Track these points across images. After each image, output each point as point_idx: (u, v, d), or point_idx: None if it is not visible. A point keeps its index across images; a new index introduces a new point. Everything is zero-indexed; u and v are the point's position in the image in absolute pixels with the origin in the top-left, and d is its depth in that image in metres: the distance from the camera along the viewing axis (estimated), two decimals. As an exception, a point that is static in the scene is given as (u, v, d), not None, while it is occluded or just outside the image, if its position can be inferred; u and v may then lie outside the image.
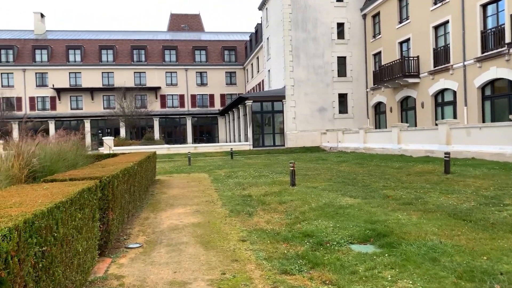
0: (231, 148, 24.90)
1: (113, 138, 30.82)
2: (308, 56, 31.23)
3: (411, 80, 25.20)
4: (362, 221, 6.33)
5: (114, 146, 30.44)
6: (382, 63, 29.03)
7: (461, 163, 14.13)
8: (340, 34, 32.02)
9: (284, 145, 30.99)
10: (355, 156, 21.06)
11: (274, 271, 4.40)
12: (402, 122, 26.85)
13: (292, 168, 10.69)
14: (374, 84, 30.66)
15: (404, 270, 4.20)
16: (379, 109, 31.38)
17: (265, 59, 36.91)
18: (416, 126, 24.91)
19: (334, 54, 31.75)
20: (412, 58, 25.36)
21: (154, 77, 48.69)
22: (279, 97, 30.97)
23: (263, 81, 39.64)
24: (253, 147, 30.55)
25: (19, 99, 45.55)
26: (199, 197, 9.96)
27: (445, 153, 11.88)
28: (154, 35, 54.13)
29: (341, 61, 32.06)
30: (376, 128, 29.37)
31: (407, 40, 26.55)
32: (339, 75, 31.93)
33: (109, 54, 48.47)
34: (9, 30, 51.27)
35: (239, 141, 35.43)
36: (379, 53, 30.23)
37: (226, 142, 45.75)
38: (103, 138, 29.06)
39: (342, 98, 32.22)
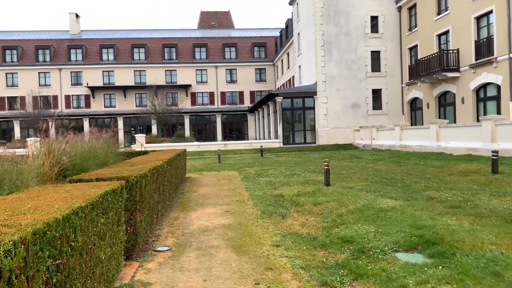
0: (261, 146, 24.55)
1: (145, 135, 31.17)
2: (340, 51, 30.39)
3: (450, 74, 23.96)
4: (406, 226, 5.80)
5: (146, 143, 30.78)
6: (419, 57, 27.82)
7: (509, 162, 13.15)
8: (374, 27, 30.96)
9: (315, 143, 30.35)
10: (391, 154, 20.21)
11: (313, 283, 3.99)
12: (439, 118, 25.62)
13: (326, 167, 10.19)
14: (409, 79, 29.46)
15: (462, 286, 3.69)
16: (415, 105, 30.14)
17: (296, 55, 36.29)
18: (455, 122, 23.67)
19: (368, 48, 30.74)
20: (451, 51, 24.09)
21: (185, 75, 49.05)
22: (310, 93, 30.32)
23: (293, 77, 39.03)
24: (283, 144, 30.08)
25: (55, 98, 47.03)
26: (230, 196, 9.65)
27: (493, 152, 11.02)
28: (184, 33, 54.52)
29: (375, 55, 31.01)
30: (412, 125, 28.20)
31: (446, 33, 25.26)
32: (372, 70, 30.91)
33: (141, 52, 49.22)
34: (46, 31, 53.06)
35: (269, 138, 35.05)
36: (415, 46, 28.99)
37: (256, 139, 45.49)
38: (135, 135, 29.45)
39: (376, 94, 31.19)
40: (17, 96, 45.60)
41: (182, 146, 28.87)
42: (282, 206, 8.01)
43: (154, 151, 13.50)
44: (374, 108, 31.06)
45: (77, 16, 52.84)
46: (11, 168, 6.76)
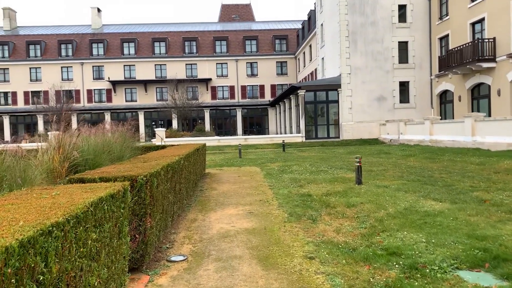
0: (283, 140, 23.70)
1: (165, 129, 30.79)
2: (366, 42, 29.12)
3: (485, 65, 22.46)
4: (463, 236, 4.90)
5: (166, 137, 30.40)
6: (450, 47, 26.31)
7: (560, 159, 11.93)
8: (402, 17, 29.51)
9: (339, 137, 29.27)
10: (421, 150, 19.03)
11: (361, 312, 3.18)
12: (472, 111, 24.16)
13: (358, 164, 9.30)
14: (439, 71, 27.97)
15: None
16: (445, 98, 28.64)
17: (319, 47, 35.14)
18: (489, 116, 22.20)
19: (395, 39, 29.35)
20: (486, 40, 22.57)
21: (205, 68, 48.52)
22: (334, 86, 29.21)
23: (316, 70, 37.90)
24: (306, 139, 29.14)
25: (77, 92, 47.30)
26: (252, 194, 8.90)
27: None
28: (205, 26, 53.96)
29: (403, 46, 29.59)
30: (441, 119, 26.77)
31: (481, 20, 23.70)
32: (400, 62, 29.52)
33: (161, 46, 48.93)
34: (68, 26, 53.45)
35: (291, 132, 34.14)
36: (446, 36, 27.44)
37: (276, 133, 44.64)
38: (155, 129, 29.08)
39: (403, 86, 29.80)
40: (41, 91, 46.05)
41: (202, 141, 28.33)
42: (311, 207, 7.20)
43: (172, 145, 12.88)
44: (401, 101, 29.70)
45: (98, 10, 52.95)
46: (15, 164, 6.19)
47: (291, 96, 32.79)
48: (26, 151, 8.10)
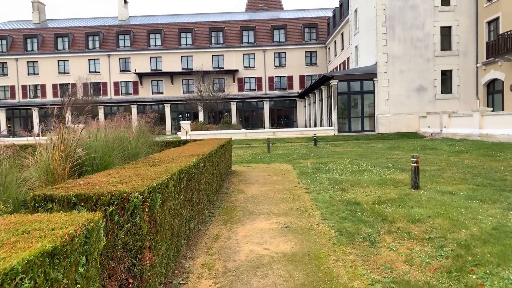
0: (315, 134, 22.07)
1: (190, 122, 29.73)
2: (404, 28, 26.91)
3: (544, 50, 20.02)
4: None
5: (192, 130, 29.35)
6: (500, 32, 23.81)
7: None
8: (445, -1, 27.11)
9: (374, 130, 27.34)
10: (472, 145, 17.00)
11: None
12: (527, 103, 21.76)
13: (415, 164, 7.68)
14: (487, 58, 25.49)
15: None
16: (493, 87, 26.13)
17: (352, 34, 33.06)
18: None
19: (437, 24, 26.98)
20: (546, 22, 20.09)
21: (232, 59, 47.22)
22: (369, 75, 27.23)
23: (348, 59, 35.84)
24: (338, 132, 27.36)
25: (104, 84, 47.08)
26: (286, 200, 7.47)
27: None
28: (232, 16, 52.57)
29: (445, 31, 27.18)
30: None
31: (539, 0, 21.16)
32: (442, 49, 27.15)
33: (188, 37, 47.94)
34: (96, 18, 53.31)
35: (321, 125, 32.39)
36: (496, 19, 24.89)
37: (305, 127, 42.94)
38: (180, 122, 28.05)
39: (446, 75, 27.44)
40: (69, 83, 46.08)
41: (228, 134, 27.08)
42: (363, 221, 5.71)
43: (195, 140, 11.62)
44: (442, 91, 27.38)
45: (125, 1, 52.47)
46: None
47: (322, 86, 31.00)
48: (20, 148, 6.98)
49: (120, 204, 2.81)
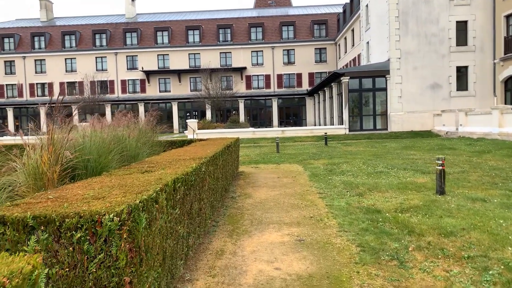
0: (325, 133, 21.31)
1: (197, 120, 29.15)
2: (418, 22, 25.99)
3: None
4: None
5: (199, 129, 28.78)
6: (520, 26, 22.82)
7: None
8: (460, -7, 26.11)
9: (386, 129, 26.48)
10: (493, 144, 16.14)
11: None
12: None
13: (441, 167, 6.94)
14: (505, 54, 24.51)
15: None
16: (511, 84, 25.11)
17: (363, 30, 32.18)
18: None
19: (452, 18, 26.00)
20: None
21: (240, 57, 46.56)
22: (381, 72, 26.36)
23: (359, 55, 34.95)
24: (349, 131, 26.57)
25: (111, 82, 46.76)
26: (298, 207, 6.79)
27: None
28: (240, 13, 51.90)
29: (461, 26, 26.20)
30: (508, 109, 23.37)
31: (562, -8, 20.14)
32: (457, 44, 26.18)
33: (195, 35, 47.38)
34: (103, 16, 53.04)
35: (331, 124, 31.59)
36: (515, 13, 23.89)
37: (315, 125, 42.17)
38: (187, 121, 27.46)
39: (461, 72, 26.47)
40: (76, 81, 45.82)
41: (236, 133, 26.45)
42: (387, 233, 5.02)
43: (201, 140, 10.99)
44: (458, 88, 26.41)
45: (132, -1, 52.09)
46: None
47: (332, 84, 30.19)
48: (6, 148, 6.39)
49: (91, 228, 2.17)
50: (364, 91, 26.96)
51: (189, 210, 3.85)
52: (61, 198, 2.61)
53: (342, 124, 27.30)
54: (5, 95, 46.53)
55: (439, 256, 4.20)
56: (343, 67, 41.40)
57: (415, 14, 25.98)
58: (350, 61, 38.95)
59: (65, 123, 6.32)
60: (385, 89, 26.59)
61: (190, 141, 10.82)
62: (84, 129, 8.61)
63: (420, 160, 12.34)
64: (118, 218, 2.20)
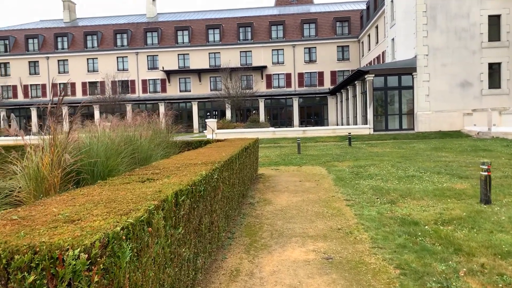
0: (349, 133, 20.43)
1: (216, 120, 28.69)
2: (447, 17, 24.74)
3: None
4: None
5: (218, 128, 28.32)
6: (559, 19, 21.34)
7: None
8: (493, -15, 24.71)
9: (413, 129, 25.34)
10: (532, 146, 14.99)
11: None
12: None
13: (486, 173, 6.12)
14: (542, 49, 23.01)
15: None
16: (548, 82, 23.60)
17: (388, 26, 31.03)
18: None
19: (484, 12, 24.64)
20: None
21: (260, 55, 45.94)
22: (407, 69, 25.25)
23: (383, 53, 33.79)
24: (374, 131, 25.56)
25: (132, 82, 46.94)
26: (324, 216, 6.11)
27: None
28: (260, 11, 51.32)
29: (494, 21, 24.80)
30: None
31: None
32: (490, 40, 24.80)
33: (215, 34, 47.03)
34: (124, 16, 53.38)
35: (354, 123, 30.59)
36: (553, 5, 22.39)
37: (337, 125, 41.16)
38: (206, 120, 27.03)
39: (493, 68, 25.07)
40: (97, 81, 46.18)
41: (256, 133, 25.86)
42: (429, 251, 4.29)
43: (218, 140, 10.42)
44: (490, 86, 25.02)
45: (153, -1, 52.20)
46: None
47: (356, 82, 29.19)
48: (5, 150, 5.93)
49: (49, 268, 1.57)
50: (389, 90, 25.88)
51: (197, 227, 3.24)
52: (27, 219, 2.03)
53: (366, 123, 26.31)
54: (30, 95, 47.36)
55: (499, 285, 3.46)
56: (366, 65, 40.17)
57: (444, 9, 24.75)
58: (374, 59, 37.77)
59: (78, 123, 5.83)
60: (411, 87, 25.45)
61: (207, 142, 10.26)
62: (104, 128, 8.19)
63: (454, 162, 11.41)
64: (87, 255, 1.59)
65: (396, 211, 6.17)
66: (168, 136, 9.22)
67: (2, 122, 43.96)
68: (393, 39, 30.04)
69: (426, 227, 5.22)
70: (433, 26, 24.80)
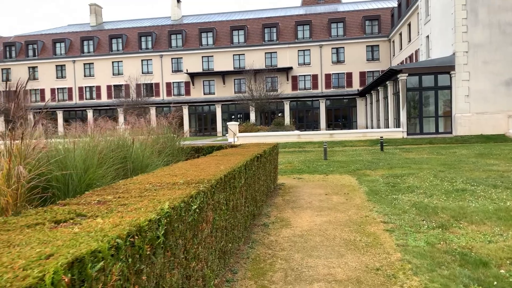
0: (381, 137, 18.74)
1: (237, 123, 27.49)
2: (490, 10, 22.61)
3: None
4: None
5: (241, 132, 27.16)
6: None
7: None
8: (542, -26, 22.41)
9: (451, 132, 23.29)
10: None
11: None
12: None
13: None
14: None
15: None
16: None
17: (422, 23, 29.00)
18: None
19: (532, 4, 22.39)
20: None
21: (286, 56, 44.56)
22: (445, 68, 23.25)
23: (416, 52, 31.73)
24: (407, 134, 23.67)
25: (157, 85, 46.57)
26: (356, 246, 4.72)
27: None
28: (286, 11, 50.00)
29: (543, 13, 22.48)
30: None
31: None
32: (538, 34, 22.50)
33: (240, 35, 46.03)
34: (149, 19, 53.30)
35: (386, 126, 28.70)
36: None
37: (366, 127, 39.21)
38: (227, 123, 25.90)
39: (543, 66, 22.72)
40: (122, 84, 46.05)
41: (279, 136, 24.51)
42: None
43: (232, 146, 9.20)
44: (538, 86, 22.66)
45: (178, 1, 51.81)
46: None
47: (387, 82, 27.33)
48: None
49: None
50: (425, 90, 23.92)
51: (187, 265, 1.96)
52: None
53: (399, 127, 24.43)
54: (57, 99, 47.85)
55: None
56: (398, 65, 38.04)
57: (486, 1, 22.62)
58: (406, 58, 35.67)
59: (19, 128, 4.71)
60: (449, 87, 23.41)
61: (219, 148, 9.03)
62: (124, 131, 7.17)
63: (509, 173, 9.69)
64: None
65: (452, 241, 4.71)
66: (174, 140, 8.04)
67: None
68: (427, 36, 28.01)
69: (502, 270, 3.75)
70: (474, 20, 22.72)
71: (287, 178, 10.48)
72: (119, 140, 6.02)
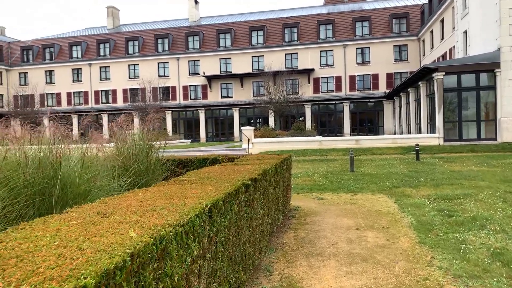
0: (416, 144, 16.18)
1: (253, 128, 25.29)
2: (541, -2, 19.77)
3: None
4: None
5: (258, 137, 25.01)
6: None
7: None
8: None
9: (495, 139, 20.45)
10: None
11: None
12: None
13: None
14: None
15: None
16: None
17: (458, 17, 26.18)
18: None
19: None
20: None
21: (307, 57, 42.24)
22: (488, 65, 20.48)
23: (451, 50, 28.86)
24: (444, 141, 20.95)
25: (173, 88, 45.09)
26: None
27: None
28: (307, 10, 47.77)
29: None
30: None
31: None
32: None
33: (259, 36, 44.03)
34: (166, 21, 52.12)
35: (418, 132, 25.95)
36: None
37: (394, 133, 36.42)
38: (241, 128, 23.79)
39: None
40: (138, 88, 44.73)
41: (299, 142, 22.23)
42: None
43: (231, 159, 7.06)
44: None
45: (196, 2, 50.33)
46: None
47: (420, 83, 24.62)
48: None
49: None
50: (464, 91, 21.16)
51: None
52: None
53: (434, 132, 21.72)
54: (72, 103, 47.00)
55: None
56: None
57: (536, -11, 19.80)
58: (438, 58, 32.74)
59: None
60: (493, 88, 20.60)
61: (213, 160, 6.91)
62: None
63: None
64: None
65: None
66: (148, 152, 5.94)
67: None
68: (465, 32, 25.17)
69: None
70: (522, 11, 19.90)
71: (304, 198, 8.25)
72: (45, 154, 3.95)
